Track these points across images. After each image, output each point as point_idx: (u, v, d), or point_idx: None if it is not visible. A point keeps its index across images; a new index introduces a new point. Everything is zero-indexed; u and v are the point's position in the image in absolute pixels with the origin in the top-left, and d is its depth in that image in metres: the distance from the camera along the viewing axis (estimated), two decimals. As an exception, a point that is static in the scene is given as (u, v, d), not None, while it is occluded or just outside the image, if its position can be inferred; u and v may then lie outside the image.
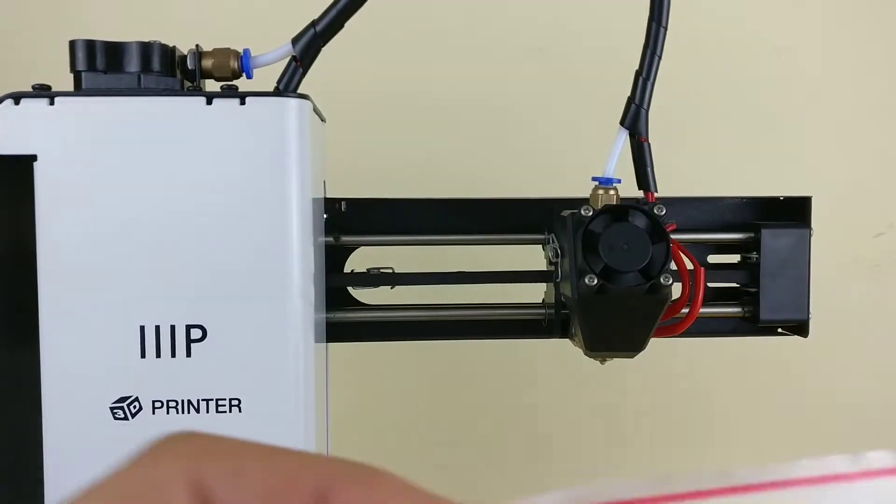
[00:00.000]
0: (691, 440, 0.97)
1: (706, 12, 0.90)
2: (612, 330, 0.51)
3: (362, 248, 0.58)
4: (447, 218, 0.58)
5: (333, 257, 0.57)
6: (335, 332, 0.56)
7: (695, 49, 0.89)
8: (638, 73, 0.49)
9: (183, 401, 0.45)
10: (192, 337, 0.45)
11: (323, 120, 0.54)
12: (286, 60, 0.47)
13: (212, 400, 0.45)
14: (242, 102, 0.44)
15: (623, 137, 0.50)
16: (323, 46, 0.47)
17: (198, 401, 0.45)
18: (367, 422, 0.93)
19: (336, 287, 0.57)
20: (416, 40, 0.90)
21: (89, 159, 0.44)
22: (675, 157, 0.82)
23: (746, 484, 0.20)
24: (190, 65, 0.47)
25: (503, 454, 0.96)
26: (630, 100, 0.50)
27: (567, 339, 0.57)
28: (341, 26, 0.46)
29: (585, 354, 0.53)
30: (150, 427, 0.45)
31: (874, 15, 0.95)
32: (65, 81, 0.46)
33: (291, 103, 0.45)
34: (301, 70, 0.46)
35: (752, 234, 0.58)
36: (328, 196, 0.56)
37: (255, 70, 0.48)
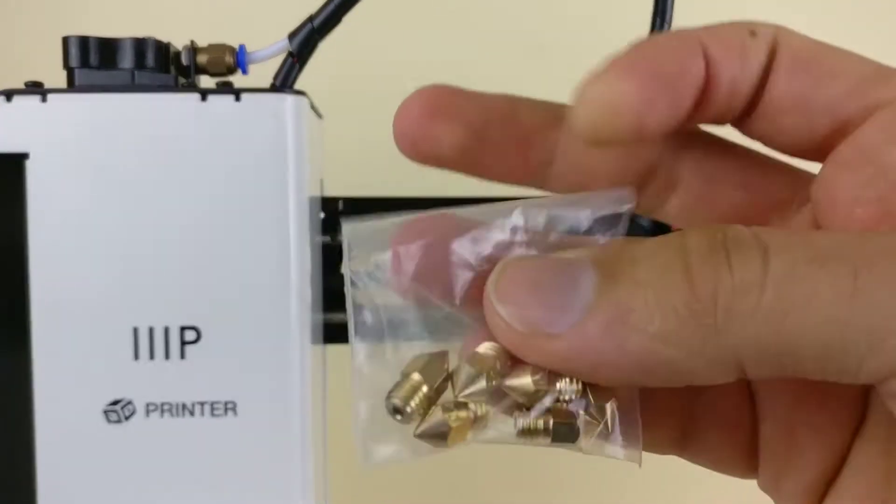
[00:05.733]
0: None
1: (708, 11, 0.89)
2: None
3: (360, 247, 0.57)
4: (447, 217, 0.57)
5: (330, 257, 0.56)
6: (332, 333, 0.55)
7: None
8: (641, 70, 0.49)
9: (177, 404, 0.44)
10: (186, 339, 0.44)
11: (320, 117, 0.53)
12: (282, 56, 0.46)
13: (206, 403, 0.44)
14: (238, 99, 0.43)
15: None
16: (320, 42, 0.46)
17: (192, 403, 0.44)
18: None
19: (333, 288, 0.56)
20: (416, 36, 0.89)
21: (82, 157, 0.43)
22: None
23: None
24: (184, 61, 0.46)
25: (503, 454, 0.95)
26: (633, 97, 0.49)
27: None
28: (339, 21, 0.46)
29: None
30: (144, 430, 0.44)
31: (875, 15, 0.95)
32: (58, 78, 0.45)
33: (288, 100, 0.44)
34: (298, 66, 0.46)
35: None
36: (326, 195, 0.55)
37: (250, 66, 0.47)
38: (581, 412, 0.23)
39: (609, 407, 0.23)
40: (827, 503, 0.25)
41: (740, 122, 0.26)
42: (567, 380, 0.23)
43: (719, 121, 0.26)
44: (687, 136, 0.27)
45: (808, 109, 0.24)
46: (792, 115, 0.24)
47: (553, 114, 0.26)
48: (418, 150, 0.26)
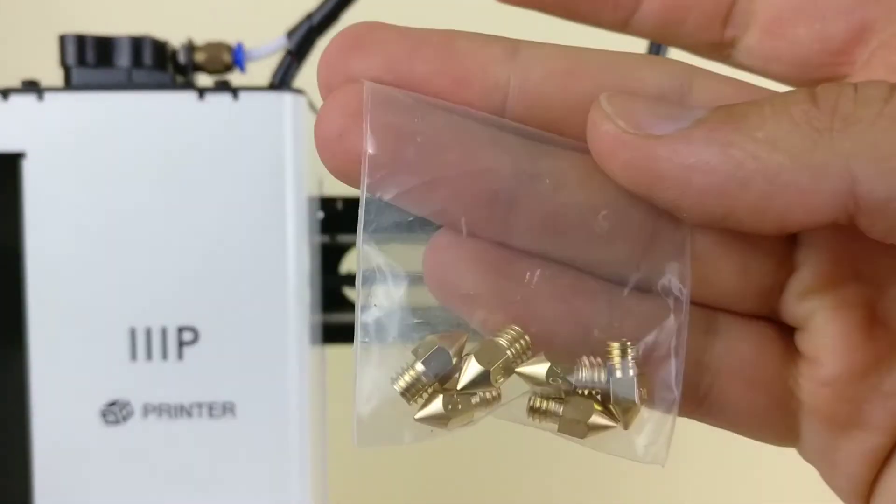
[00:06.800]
0: (690, 438, 0.96)
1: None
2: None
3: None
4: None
5: (328, 257, 0.55)
6: (330, 334, 0.55)
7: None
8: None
9: (175, 405, 0.44)
10: (184, 339, 0.44)
11: (319, 116, 0.53)
12: (281, 54, 0.46)
13: (204, 404, 0.44)
14: (235, 97, 0.43)
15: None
16: (319, 39, 0.46)
17: (190, 404, 0.44)
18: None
19: (331, 288, 0.56)
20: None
21: (79, 156, 0.43)
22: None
23: None
24: (182, 59, 0.46)
25: (504, 455, 0.95)
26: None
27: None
28: (338, 19, 0.46)
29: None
30: (141, 432, 0.44)
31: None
32: (54, 76, 0.45)
33: (286, 98, 0.44)
34: (296, 64, 0.45)
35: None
36: (324, 194, 0.55)
37: (248, 64, 0.47)
38: (598, 406, 0.21)
39: (637, 393, 0.21)
40: (893, 469, 0.22)
41: (727, 49, 0.24)
42: (586, 369, 0.21)
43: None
44: None
45: (819, 13, 0.22)
46: (800, 21, 0.22)
47: (503, 47, 0.22)
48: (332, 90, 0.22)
